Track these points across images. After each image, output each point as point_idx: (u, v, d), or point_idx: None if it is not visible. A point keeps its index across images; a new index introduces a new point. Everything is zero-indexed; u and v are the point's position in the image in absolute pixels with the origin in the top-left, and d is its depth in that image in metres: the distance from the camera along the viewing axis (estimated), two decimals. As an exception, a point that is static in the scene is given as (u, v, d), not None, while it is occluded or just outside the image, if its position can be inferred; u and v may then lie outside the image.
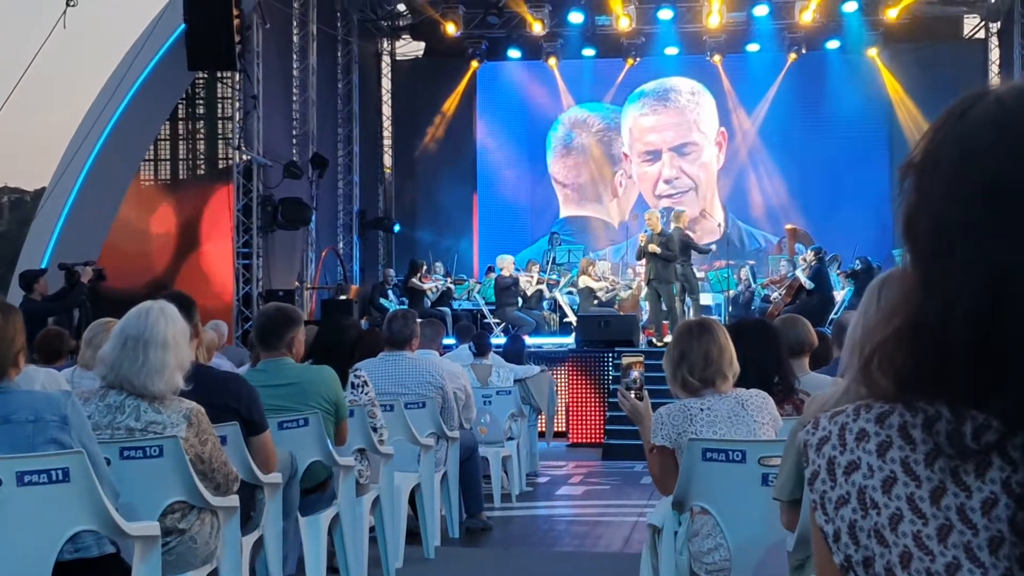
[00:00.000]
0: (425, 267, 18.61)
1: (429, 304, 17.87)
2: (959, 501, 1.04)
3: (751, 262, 19.39)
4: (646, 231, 16.21)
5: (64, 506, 3.72)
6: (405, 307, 17.53)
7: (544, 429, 12.90)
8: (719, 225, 21.31)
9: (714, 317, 16.40)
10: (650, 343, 15.66)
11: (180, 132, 18.08)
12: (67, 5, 14.12)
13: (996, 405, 1.04)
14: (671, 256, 15.64)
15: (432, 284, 18.11)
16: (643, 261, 16.24)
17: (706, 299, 17.69)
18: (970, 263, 1.05)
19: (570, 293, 18.27)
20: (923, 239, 1.10)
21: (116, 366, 4.22)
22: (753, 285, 18.47)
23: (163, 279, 15.68)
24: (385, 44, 22.84)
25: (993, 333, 1.03)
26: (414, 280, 17.92)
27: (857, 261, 17.33)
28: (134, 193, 16.46)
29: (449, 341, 13.16)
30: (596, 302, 17.17)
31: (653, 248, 15.64)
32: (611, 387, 13.75)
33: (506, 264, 17.76)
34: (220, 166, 17.76)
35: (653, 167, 21.82)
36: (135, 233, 15.86)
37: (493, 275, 18.72)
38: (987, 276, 1.04)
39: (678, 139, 21.79)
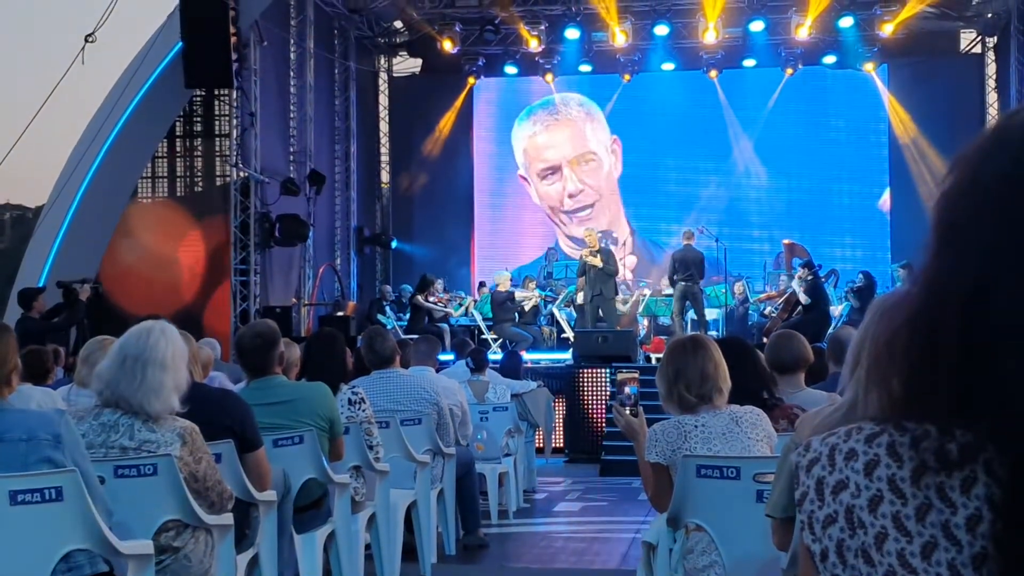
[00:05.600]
0: (435, 284, 18.59)
1: (427, 320, 17.87)
2: (944, 518, 1.04)
3: (746, 276, 19.40)
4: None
5: (57, 525, 3.71)
6: (403, 323, 17.56)
7: (543, 445, 12.89)
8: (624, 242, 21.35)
9: (713, 333, 16.50)
10: (647, 359, 15.71)
11: (178, 149, 18.07)
12: (86, 41, 14.15)
13: (981, 420, 1.04)
14: (611, 271, 16.57)
15: (435, 306, 18.07)
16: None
17: (709, 314, 17.79)
18: (966, 253, 1.06)
19: (567, 308, 18.26)
20: (935, 230, 1.11)
21: (113, 384, 4.22)
22: (750, 300, 18.46)
23: (160, 296, 15.67)
24: (382, 61, 22.88)
25: (981, 326, 1.04)
26: (418, 298, 17.91)
27: (860, 276, 17.32)
28: (131, 210, 16.46)
29: (446, 357, 13.16)
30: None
31: (594, 262, 16.37)
32: (609, 403, 13.73)
33: (502, 281, 17.80)
34: (217, 183, 17.76)
35: (554, 185, 21.91)
36: (132, 250, 15.85)
37: (486, 290, 18.73)
38: (979, 264, 1.05)
39: (575, 152, 21.92)
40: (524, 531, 9.25)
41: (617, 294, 17.02)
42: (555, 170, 21.85)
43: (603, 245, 16.84)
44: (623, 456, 11.98)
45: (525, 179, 22.05)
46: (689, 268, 16.59)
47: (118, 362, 4.24)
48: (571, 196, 21.77)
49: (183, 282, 16.36)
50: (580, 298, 17.25)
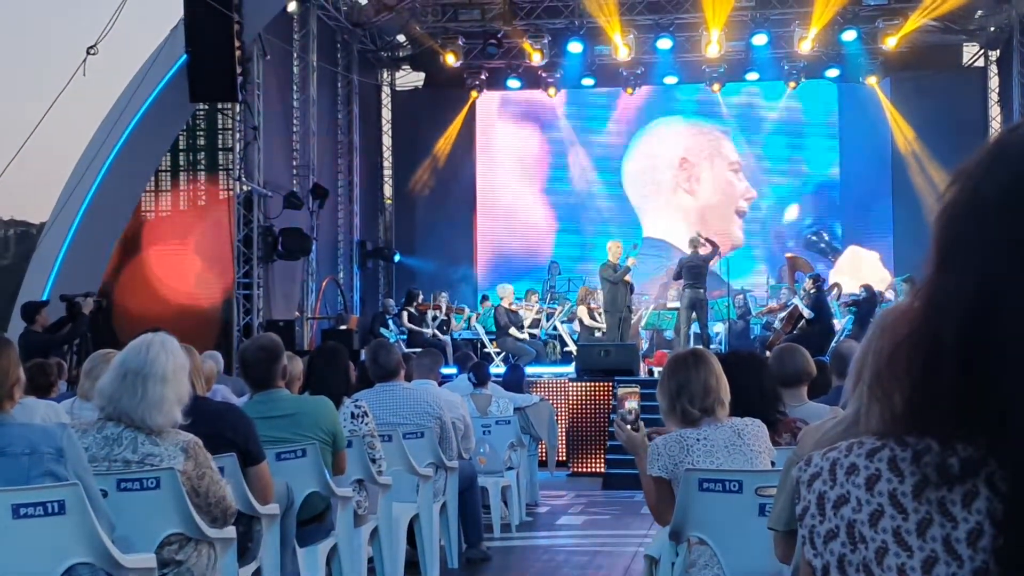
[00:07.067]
0: (421, 296, 18.59)
1: (430, 334, 17.86)
2: (945, 532, 1.04)
3: (748, 290, 19.39)
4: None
5: (60, 539, 3.71)
6: (404, 337, 17.55)
7: (546, 458, 12.87)
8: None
9: (715, 346, 16.48)
10: (650, 372, 15.67)
11: (181, 163, 18.11)
12: (87, 53, 14.18)
13: (983, 435, 1.04)
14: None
15: (427, 319, 18.06)
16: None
17: (713, 328, 17.78)
18: (968, 269, 1.06)
19: (568, 322, 18.24)
20: (936, 244, 1.11)
21: (115, 399, 4.22)
22: (751, 314, 18.43)
23: (163, 309, 15.68)
24: (385, 75, 22.92)
25: (983, 341, 1.04)
26: (407, 318, 17.90)
27: (861, 288, 17.31)
28: (135, 224, 16.48)
29: (449, 371, 13.14)
30: (599, 332, 17.17)
31: (629, 279, 16.44)
32: (611, 416, 13.70)
33: (506, 293, 17.76)
34: (221, 197, 17.78)
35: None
36: (136, 264, 15.86)
37: (489, 304, 18.70)
38: (981, 281, 1.05)
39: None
40: (527, 545, 9.23)
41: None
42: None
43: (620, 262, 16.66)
44: (626, 470, 11.97)
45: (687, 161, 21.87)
46: (698, 275, 16.58)
47: (119, 377, 4.23)
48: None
49: (185, 295, 16.36)
50: (587, 317, 17.19)
